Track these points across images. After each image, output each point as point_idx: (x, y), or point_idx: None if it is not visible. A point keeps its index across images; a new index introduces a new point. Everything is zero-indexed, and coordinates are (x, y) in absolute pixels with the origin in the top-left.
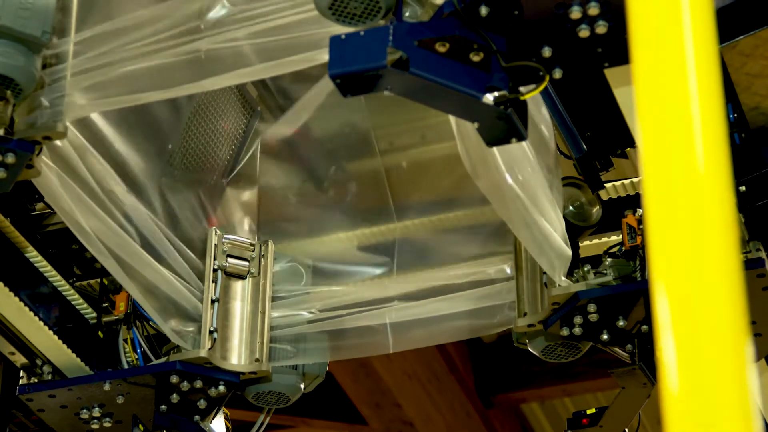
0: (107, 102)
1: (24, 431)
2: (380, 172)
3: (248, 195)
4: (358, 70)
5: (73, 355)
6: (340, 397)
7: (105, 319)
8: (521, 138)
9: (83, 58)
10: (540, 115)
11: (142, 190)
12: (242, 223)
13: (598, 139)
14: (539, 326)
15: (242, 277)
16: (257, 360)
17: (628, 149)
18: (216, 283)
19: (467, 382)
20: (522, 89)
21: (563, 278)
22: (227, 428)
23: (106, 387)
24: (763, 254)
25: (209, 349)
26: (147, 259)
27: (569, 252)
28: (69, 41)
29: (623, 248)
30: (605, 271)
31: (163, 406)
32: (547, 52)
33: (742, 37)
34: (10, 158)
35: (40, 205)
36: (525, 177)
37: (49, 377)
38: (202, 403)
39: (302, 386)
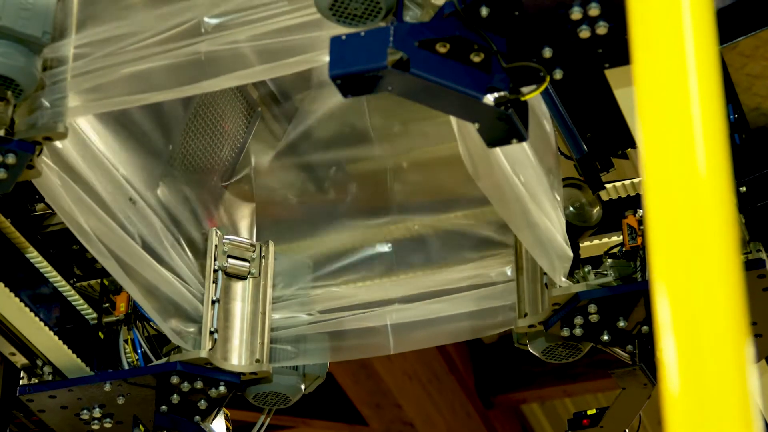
0: (108, 103)
1: None
2: (380, 172)
3: (249, 196)
4: (358, 70)
5: (74, 356)
6: (341, 397)
7: (105, 319)
8: (522, 139)
9: (84, 60)
10: (541, 115)
11: (142, 191)
12: (243, 224)
13: (599, 140)
14: (540, 327)
15: (243, 278)
16: (258, 360)
17: (629, 150)
18: (216, 284)
19: (468, 382)
20: (522, 90)
21: (564, 279)
22: (228, 429)
23: (107, 387)
24: (763, 255)
25: (210, 349)
26: (147, 259)
27: (570, 253)
28: (69, 43)
29: (624, 249)
30: (606, 272)
31: (163, 407)
32: (547, 52)
33: (742, 37)
34: (11, 159)
35: (40, 206)
36: (526, 178)
37: (50, 378)
38: (202, 404)
39: (303, 387)
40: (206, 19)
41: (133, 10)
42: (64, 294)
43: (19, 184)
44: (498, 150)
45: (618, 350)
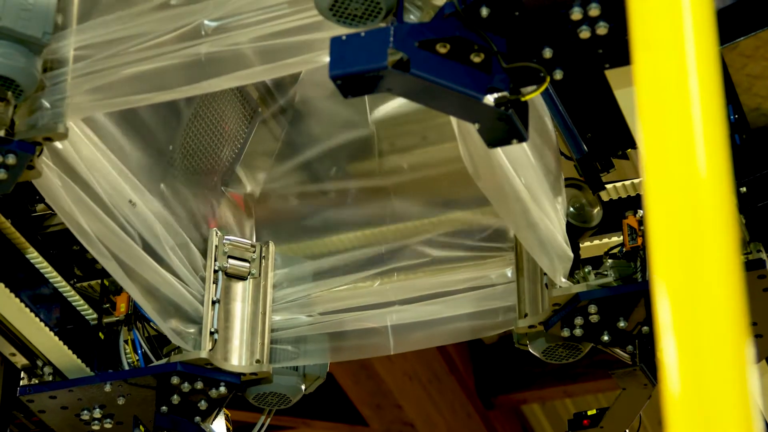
0: (108, 104)
1: None
2: (381, 172)
3: (249, 196)
4: (358, 71)
5: (74, 356)
6: (341, 398)
7: (106, 320)
8: (522, 139)
9: (85, 62)
10: (541, 116)
11: (142, 192)
12: (243, 225)
13: (599, 140)
14: (540, 327)
15: (243, 279)
16: (258, 361)
17: (629, 150)
18: (217, 285)
19: (468, 383)
20: (523, 90)
21: (564, 279)
22: (228, 429)
23: (107, 388)
24: (763, 255)
25: (210, 350)
26: (147, 260)
27: (570, 253)
28: (70, 44)
29: (624, 249)
30: (606, 272)
31: (163, 407)
32: (547, 53)
33: (742, 38)
34: (11, 159)
35: (40, 206)
36: (526, 178)
37: (50, 378)
38: (202, 404)
39: (303, 387)
40: (206, 22)
41: (134, 12)
42: (65, 294)
43: (20, 184)
44: (498, 150)
45: (618, 351)
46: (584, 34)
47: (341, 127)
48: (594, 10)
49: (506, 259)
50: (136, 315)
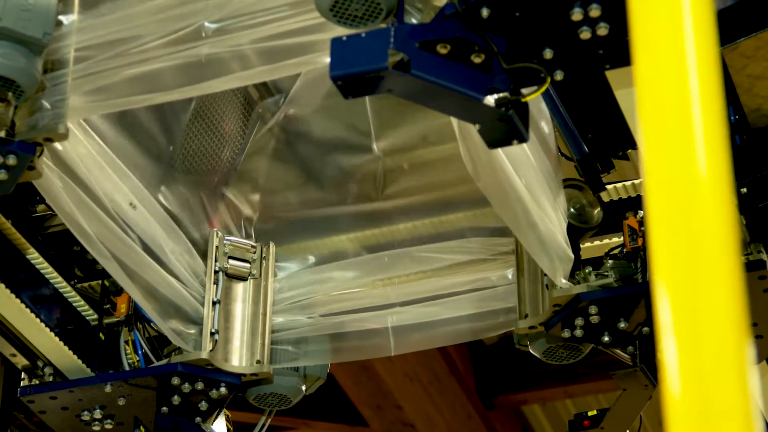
0: (108, 104)
1: None
2: (381, 173)
3: (250, 197)
4: (359, 71)
5: (75, 357)
6: (342, 398)
7: (106, 320)
8: (522, 140)
9: (85, 64)
10: (541, 116)
11: (143, 193)
12: (243, 225)
13: (600, 141)
14: (540, 328)
15: (243, 279)
16: (258, 362)
17: (629, 151)
18: (217, 285)
19: (468, 383)
20: (523, 91)
21: (564, 280)
22: (228, 430)
23: (108, 389)
24: (764, 256)
25: (210, 350)
26: (148, 261)
27: (571, 254)
28: (70, 45)
29: (624, 250)
30: (606, 273)
31: (164, 408)
32: (548, 53)
33: (743, 38)
34: (12, 160)
35: (41, 207)
36: (526, 179)
37: (51, 379)
38: (203, 405)
39: (303, 388)
40: (207, 24)
41: (134, 14)
42: (65, 295)
43: (20, 185)
44: (499, 151)
45: (619, 351)
46: (585, 34)
47: (342, 128)
48: (594, 11)
49: (507, 260)
50: (136, 316)
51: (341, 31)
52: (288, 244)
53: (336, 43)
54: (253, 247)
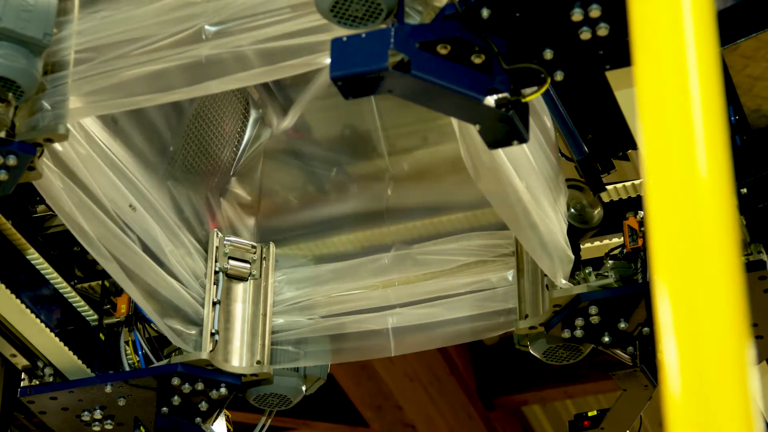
0: (108, 105)
1: None
2: (382, 174)
3: (250, 197)
4: (359, 72)
5: (75, 357)
6: (342, 399)
7: (106, 321)
8: (522, 140)
9: (85, 65)
10: (541, 117)
11: (143, 193)
12: (244, 225)
13: (600, 142)
14: (541, 328)
15: (243, 280)
16: (258, 362)
17: (630, 151)
18: (217, 285)
19: (469, 384)
20: (523, 91)
21: (564, 280)
22: (229, 430)
23: (108, 389)
24: (764, 256)
25: (210, 351)
26: (148, 262)
27: (571, 254)
28: (70, 47)
29: (624, 250)
30: (606, 273)
31: (164, 408)
32: (548, 54)
33: (743, 39)
34: (12, 160)
35: (41, 207)
36: (527, 180)
37: (51, 379)
38: (203, 405)
39: (303, 388)
40: (207, 27)
41: (134, 16)
42: (65, 295)
43: (20, 185)
44: (500, 151)
45: (619, 352)
46: (585, 35)
47: (342, 128)
48: (595, 12)
49: (507, 262)
50: (136, 316)
51: (341, 32)
52: (288, 244)
53: (336, 43)
54: (253, 247)
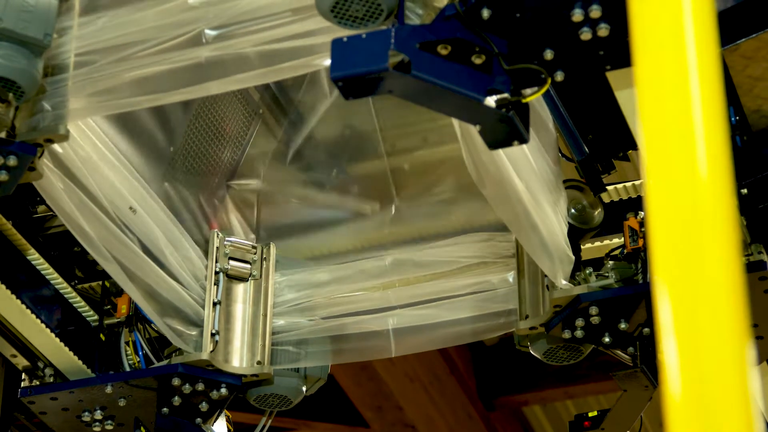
0: (109, 106)
1: None
2: (383, 174)
3: (250, 197)
4: (359, 72)
5: (75, 358)
6: (342, 399)
7: (107, 321)
8: (523, 140)
9: (86, 68)
10: (542, 117)
11: (143, 195)
12: (244, 226)
13: (600, 142)
14: (541, 329)
15: (244, 280)
16: (259, 362)
17: (630, 152)
18: (218, 286)
19: (469, 384)
20: (524, 92)
21: (565, 281)
22: (229, 431)
23: (108, 389)
24: (764, 257)
25: (211, 351)
26: (148, 263)
27: (571, 255)
28: (71, 50)
29: (625, 251)
30: (607, 274)
31: (165, 409)
32: (549, 54)
33: (743, 39)
34: (12, 161)
35: (41, 208)
36: (527, 180)
37: (51, 380)
38: (204, 406)
39: (304, 389)
40: (207, 31)
41: (134, 20)
42: (66, 296)
43: (20, 186)
44: (500, 152)
45: (619, 352)
46: (585, 35)
47: (343, 129)
48: (595, 12)
49: (508, 263)
50: (137, 316)
51: (342, 33)
52: (289, 245)
53: (337, 44)
54: (253, 247)
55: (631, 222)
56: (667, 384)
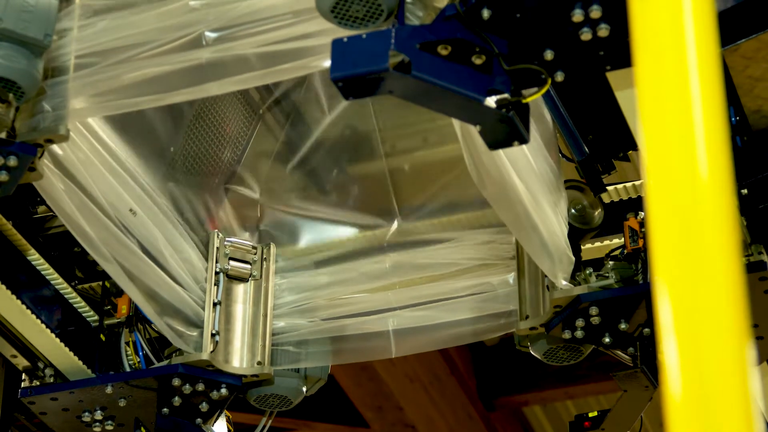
0: (109, 106)
1: None
2: (383, 175)
3: (250, 198)
4: (360, 73)
5: (75, 358)
6: (342, 399)
7: (107, 321)
8: (523, 141)
9: (86, 70)
10: (542, 118)
11: (143, 194)
12: (244, 226)
13: (600, 142)
14: (541, 329)
15: (244, 280)
16: (259, 363)
17: (630, 152)
18: (218, 286)
19: (469, 384)
20: (524, 92)
21: (565, 281)
22: (229, 431)
23: (108, 390)
24: (765, 257)
25: (211, 352)
26: (148, 264)
27: (571, 255)
28: (71, 52)
29: (625, 251)
30: (607, 274)
31: (165, 409)
32: (549, 55)
33: (744, 40)
34: (13, 161)
35: (42, 208)
36: (527, 181)
37: (51, 380)
38: (204, 406)
39: (304, 389)
40: (207, 33)
41: (134, 22)
42: (66, 296)
43: (20, 186)
44: (500, 153)
45: (619, 352)
46: (585, 35)
47: (343, 129)
48: (595, 12)
49: (508, 264)
50: (137, 317)
51: (342, 34)
52: (289, 245)
53: (337, 44)
54: (253, 248)
55: (632, 222)
56: (668, 384)
